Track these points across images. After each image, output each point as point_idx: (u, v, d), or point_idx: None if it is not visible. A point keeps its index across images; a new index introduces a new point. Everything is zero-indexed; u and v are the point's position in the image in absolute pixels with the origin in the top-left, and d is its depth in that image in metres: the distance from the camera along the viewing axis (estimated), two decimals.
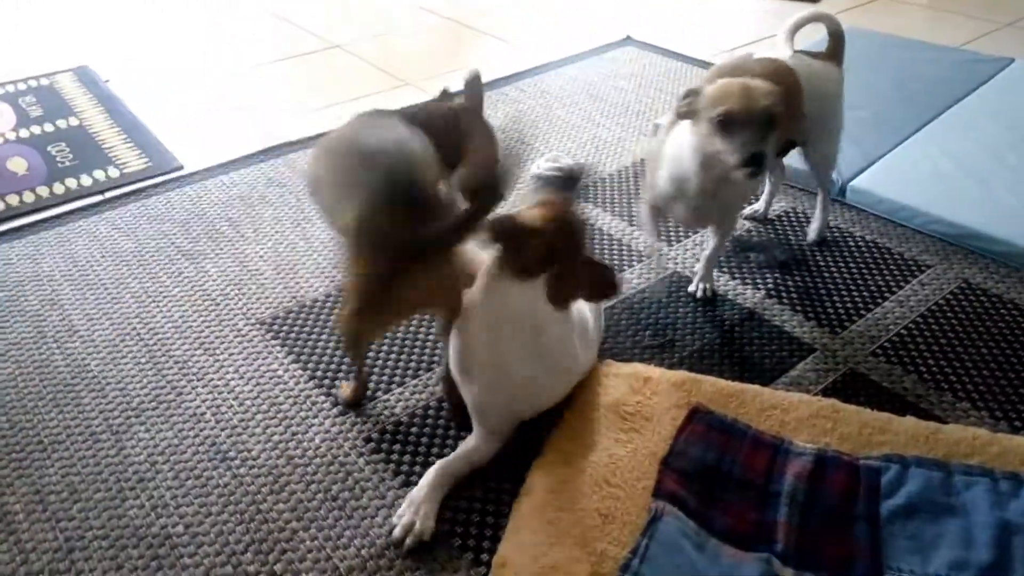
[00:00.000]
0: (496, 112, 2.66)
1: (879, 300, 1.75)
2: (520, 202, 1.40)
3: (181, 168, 2.38)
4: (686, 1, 3.75)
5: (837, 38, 1.79)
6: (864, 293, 1.77)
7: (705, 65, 2.98)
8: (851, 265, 1.86)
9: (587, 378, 1.42)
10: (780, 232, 2.00)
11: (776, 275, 1.84)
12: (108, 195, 2.23)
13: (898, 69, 2.72)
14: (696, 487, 1.20)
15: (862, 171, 2.11)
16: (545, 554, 1.11)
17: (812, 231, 1.93)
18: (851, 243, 1.94)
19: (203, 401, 1.54)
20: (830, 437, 1.28)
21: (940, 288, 1.77)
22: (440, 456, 1.39)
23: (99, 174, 2.34)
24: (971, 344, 1.61)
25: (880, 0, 3.68)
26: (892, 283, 1.79)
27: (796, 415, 1.33)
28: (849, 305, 1.74)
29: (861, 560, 1.10)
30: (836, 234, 1.97)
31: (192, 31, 3.56)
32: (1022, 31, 3.27)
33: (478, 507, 1.30)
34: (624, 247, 1.96)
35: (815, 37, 2.15)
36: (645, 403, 1.35)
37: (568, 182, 2.22)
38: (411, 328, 1.70)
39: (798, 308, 1.73)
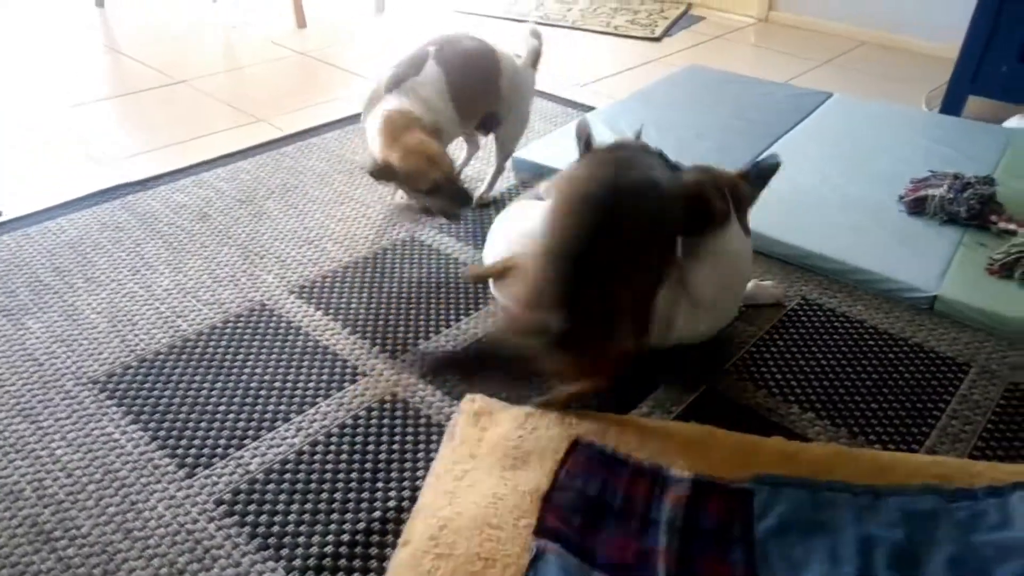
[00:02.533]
0: (355, 148, 2.61)
1: (732, 322, 1.83)
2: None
3: (0, 215, 2.15)
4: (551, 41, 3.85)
5: (536, 52, 2.22)
6: None
7: (564, 101, 3.07)
8: None
9: (467, 415, 1.41)
10: None
11: None
12: None
13: (735, 103, 2.91)
14: (578, 521, 1.19)
15: None
16: None
17: (477, 193, 2.23)
18: None
19: (22, 476, 1.36)
20: (705, 462, 1.30)
21: (783, 306, 1.88)
22: (302, 515, 1.30)
23: None
24: (811, 356, 1.71)
25: (713, 41, 3.95)
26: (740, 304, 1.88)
27: (674, 442, 1.35)
28: None
29: None
30: None
31: (14, 66, 3.26)
32: (837, 68, 3.61)
33: (358, 562, 1.22)
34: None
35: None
36: (528, 438, 1.33)
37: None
38: (265, 378, 1.60)
39: None
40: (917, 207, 2.17)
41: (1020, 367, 1.67)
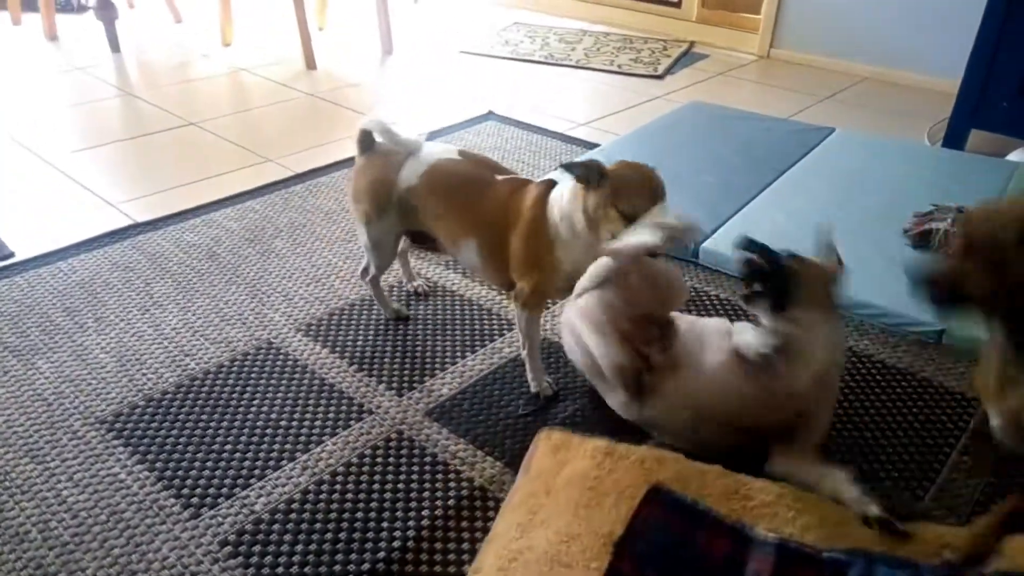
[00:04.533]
0: None
1: None
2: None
3: (12, 255, 2.18)
4: (540, 79, 3.93)
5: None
6: None
7: (564, 138, 3.11)
8: None
9: (545, 448, 1.40)
10: None
11: None
12: None
13: (737, 138, 2.94)
14: (653, 573, 1.14)
15: (712, 233, 2.23)
16: None
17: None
18: (706, 301, 2.03)
19: (28, 517, 1.36)
20: (793, 527, 1.23)
21: None
22: (306, 556, 1.29)
23: None
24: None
25: (716, 78, 4.00)
26: None
27: (759, 500, 1.28)
28: None
29: None
30: (693, 294, 2.06)
31: (28, 109, 3.34)
32: (839, 104, 3.65)
33: None
34: (494, 316, 1.96)
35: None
36: (605, 479, 1.30)
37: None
38: (271, 417, 1.60)
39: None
40: (922, 241, 2.18)
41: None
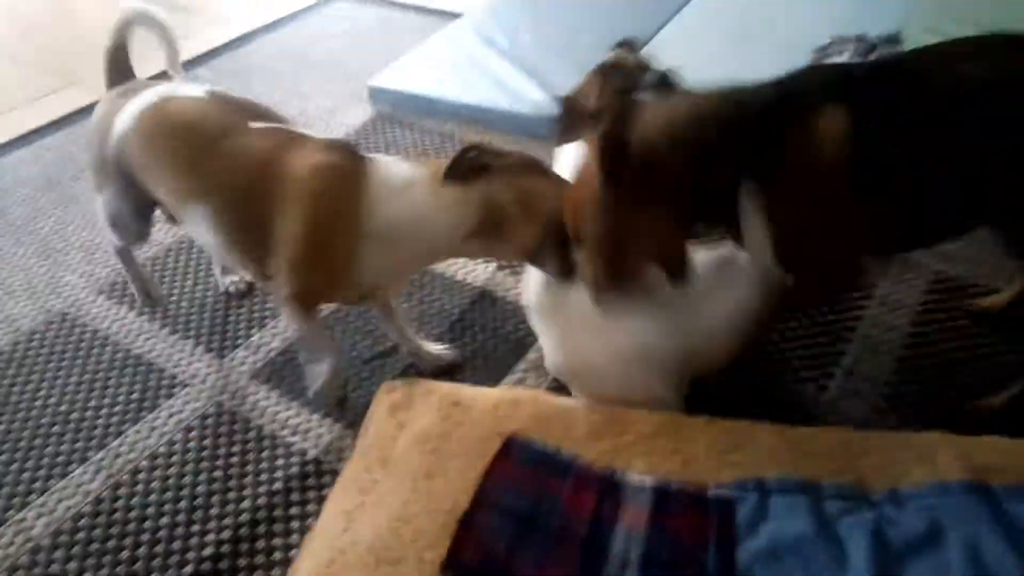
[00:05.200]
0: None
1: None
2: None
3: None
4: None
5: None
6: None
7: (422, 11, 2.70)
8: None
9: (383, 407, 1.14)
10: None
11: None
12: None
13: None
14: (503, 549, 0.93)
15: None
16: None
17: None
18: None
19: None
20: (672, 462, 1.01)
21: None
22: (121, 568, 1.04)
23: None
24: None
25: None
26: None
27: (634, 434, 1.06)
28: None
29: None
30: None
31: None
32: None
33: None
34: None
35: None
36: (451, 435, 1.07)
37: None
38: (60, 409, 1.31)
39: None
40: None
41: None
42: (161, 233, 1.70)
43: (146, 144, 1.14)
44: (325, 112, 2.14)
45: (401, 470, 1.04)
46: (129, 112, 1.16)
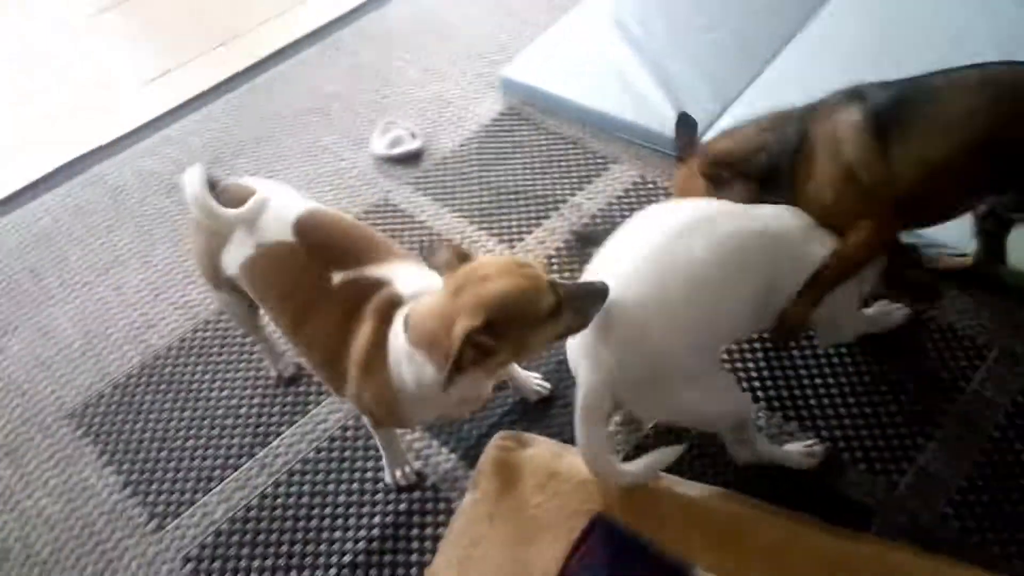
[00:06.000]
0: (329, 74, 2.38)
1: None
2: None
3: None
4: None
5: None
6: None
7: None
8: None
9: (494, 462, 1.31)
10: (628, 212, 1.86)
11: None
12: None
13: None
14: None
15: (715, 121, 1.93)
16: None
17: None
18: None
19: (10, 532, 1.44)
20: (734, 562, 1.14)
21: None
22: (262, 573, 1.34)
23: None
24: None
25: None
26: None
27: (704, 528, 1.20)
28: None
29: None
30: None
31: None
32: None
33: None
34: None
35: None
36: (546, 506, 1.25)
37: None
38: (232, 403, 1.59)
39: None
40: None
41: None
42: None
43: (257, 288, 1.28)
44: (459, 99, 2.23)
45: (502, 532, 1.24)
46: (237, 254, 1.26)
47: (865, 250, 1.26)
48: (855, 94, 1.26)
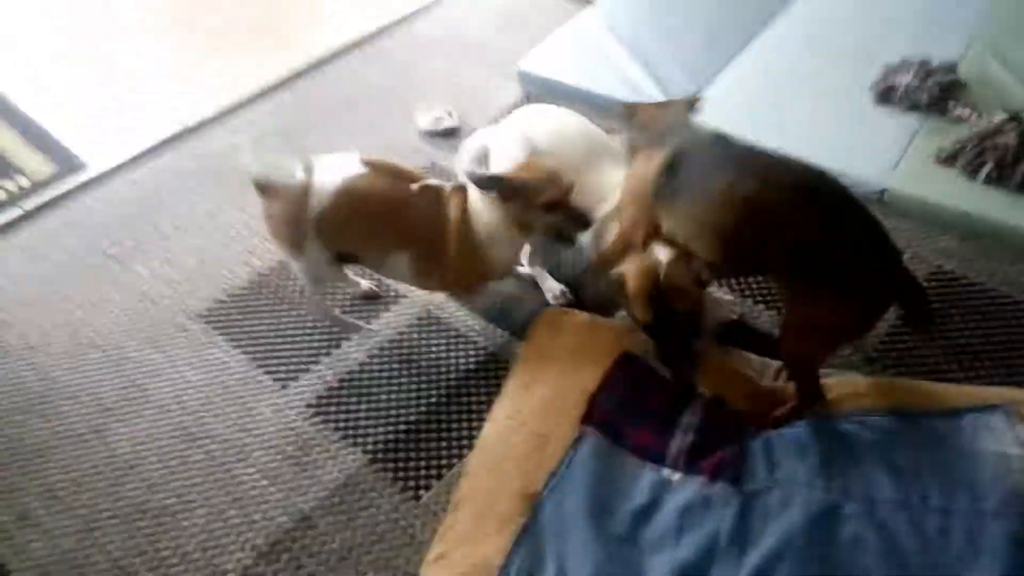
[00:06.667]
0: (371, 72, 2.88)
1: None
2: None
3: (84, 167, 2.55)
4: None
5: None
6: None
7: None
8: None
9: (542, 323, 1.80)
10: None
11: None
12: (27, 207, 2.41)
13: None
14: (615, 415, 1.58)
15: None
16: (495, 468, 1.53)
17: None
18: None
19: (166, 394, 1.87)
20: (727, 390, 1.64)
21: None
22: (369, 412, 1.78)
23: (9, 185, 2.49)
24: None
25: None
26: None
27: (705, 367, 1.68)
28: None
29: (730, 466, 1.46)
30: None
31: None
32: None
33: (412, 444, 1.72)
34: None
35: None
36: (588, 346, 1.72)
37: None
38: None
39: None
40: (885, 96, 2.37)
41: None
42: None
43: (348, 219, 1.62)
44: (482, 91, 2.74)
45: (555, 365, 1.71)
46: (320, 197, 1.60)
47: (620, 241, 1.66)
48: (672, 143, 1.54)
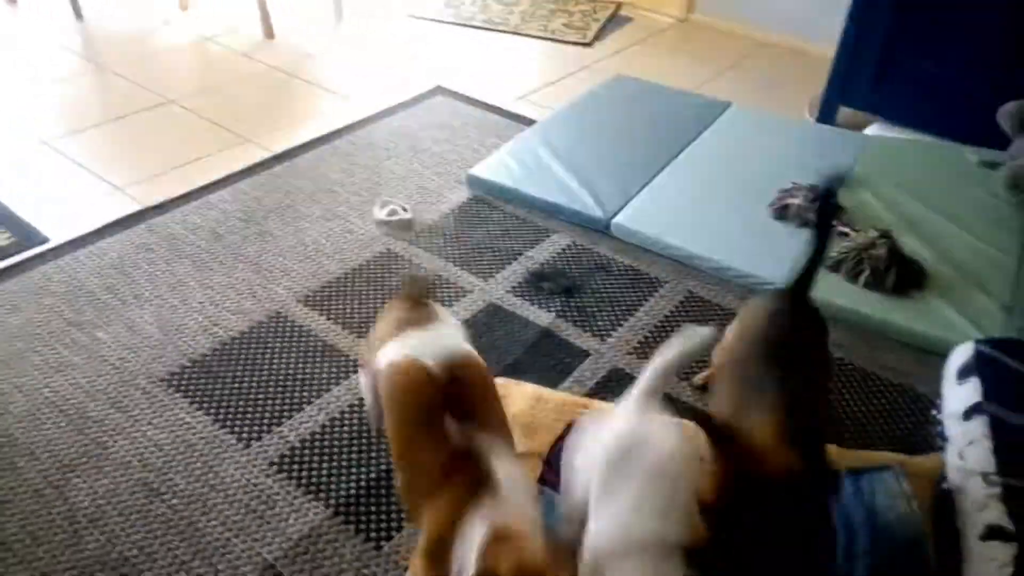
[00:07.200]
0: (334, 168, 3.12)
1: (634, 312, 2.44)
2: None
3: (47, 241, 2.63)
4: (481, 46, 4.36)
5: None
6: (623, 308, 2.46)
7: (501, 112, 3.60)
8: (615, 287, 2.55)
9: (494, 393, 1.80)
10: (565, 264, 2.65)
11: (562, 299, 2.48)
12: None
13: (650, 114, 3.48)
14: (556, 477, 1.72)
15: (620, 209, 2.81)
16: None
17: None
18: (615, 268, 2.64)
19: (127, 452, 1.92)
20: None
21: (673, 299, 2.50)
22: (331, 469, 1.89)
23: None
24: None
25: (637, 46, 4.49)
26: (641, 298, 2.50)
27: None
28: (613, 318, 2.42)
29: None
30: (604, 261, 2.66)
31: (17, 94, 3.65)
32: (742, 72, 4.20)
33: (373, 499, 1.83)
34: (451, 286, 2.52)
35: None
36: (538, 417, 1.90)
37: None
38: (290, 371, 2.17)
39: (577, 323, 2.39)
40: (781, 214, 2.80)
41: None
42: (332, 264, 2.57)
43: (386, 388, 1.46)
44: (435, 191, 3.02)
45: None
46: (382, 359, 1.49)
47: None
48: None
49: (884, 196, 2.88)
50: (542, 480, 1.78)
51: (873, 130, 3.48)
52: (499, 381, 2.01)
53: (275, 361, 2.20)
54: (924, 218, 2.77)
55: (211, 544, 1.72)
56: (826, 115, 3.59)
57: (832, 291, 2.44)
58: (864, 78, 3.43)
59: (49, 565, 1.66)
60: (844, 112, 3.61)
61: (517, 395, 1.99)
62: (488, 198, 2.98)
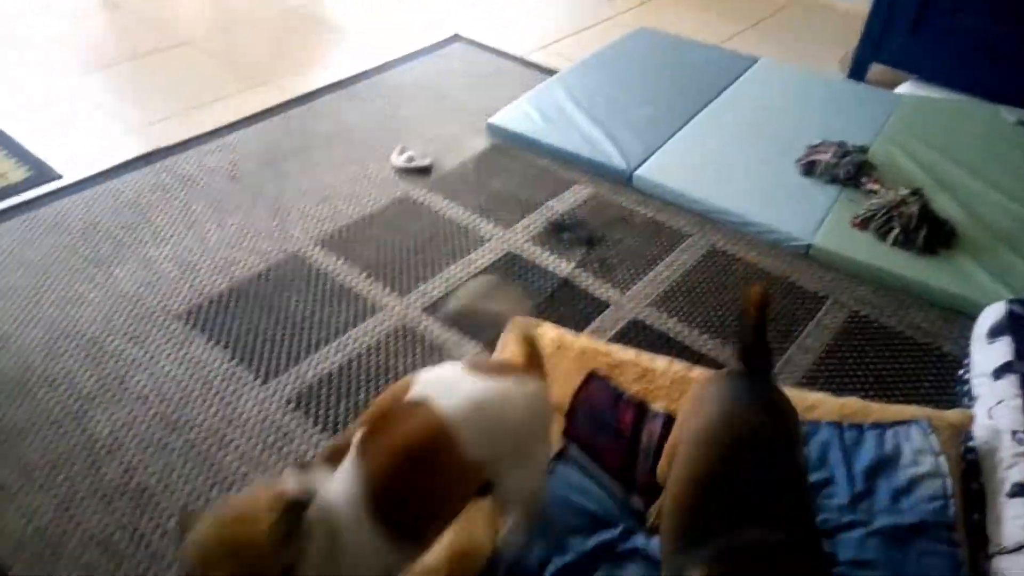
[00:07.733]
0: (351, 112, 3.06)
1: (655, 264, 2.40)
2: None
3: (60, 178, 2.60)
4: (507, 1, 4.26)
5: None
6: (644, 260, 2.41)
7: (521, 61, 3.52)
8: (637, 239, 2.50)
9: (513, 336, 1.83)
10: (587, 215, 2.60)
11: (583, 250, 2.44)
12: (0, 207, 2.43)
13: (675, 67, 3.40)
14: (588, 433, 1.71)
15: (644, 161, 2.75)
16: None
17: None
18: (637, 220, 2.59)
19: (144, 385, 1.91)
20: (677, 404, 1.75)
21: (696, 252, 2.45)
22: (346, 409, 1.88)
23: None
24: (714, 293, 2.30)
25: (658, 1, 4.37)
26: (663, 251, 2.45)
27: (658, 384, 1.84)
28: (634, 270, 2.37)
29: None
30: (626, 213, 2.61)
31: (24, 26, 3.59)
32: (772, 26, 4.08)
33: None
34: (469, 233, 2.48)
35: None
36: (557, 364, 1.85)
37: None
38: (307, 312, 2.14)
39: (597, 274, 2.35)
40: (808, 170, 2.74)
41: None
42: (349, 208, 2.53)
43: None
44: (453, 139, 2.96)
45: None
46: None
47: None
48: None
49: (916, 155, 2.80)
50: (566, 434, 1.73)
51: (905, 88, 3.38)
52: (520, 323, 1.98)
53: (292, 301, 2.18)
54: (956, 178, 2.70)
55: (229, 477, 1.71)
56: (857, 72, 3.49)
57: (859, 248, 2.39)
58: (899, 33, 3.33)
59: (69, 493, 1.66)
60: (875, 70, 3.52)
61: (542, 340, 1.95)
62: (508, 147, 2.92)
